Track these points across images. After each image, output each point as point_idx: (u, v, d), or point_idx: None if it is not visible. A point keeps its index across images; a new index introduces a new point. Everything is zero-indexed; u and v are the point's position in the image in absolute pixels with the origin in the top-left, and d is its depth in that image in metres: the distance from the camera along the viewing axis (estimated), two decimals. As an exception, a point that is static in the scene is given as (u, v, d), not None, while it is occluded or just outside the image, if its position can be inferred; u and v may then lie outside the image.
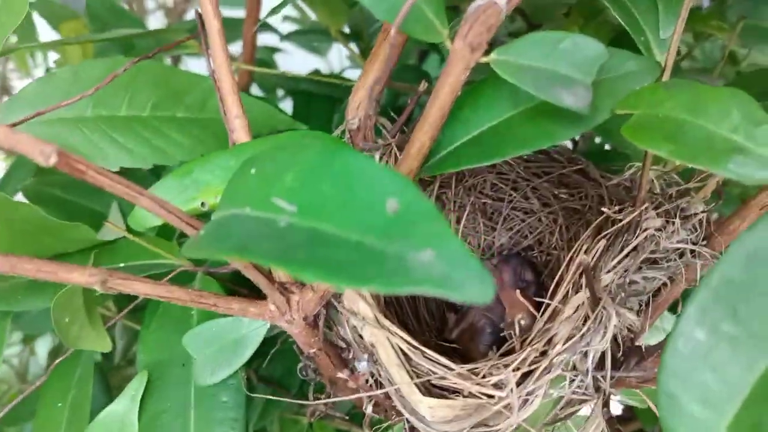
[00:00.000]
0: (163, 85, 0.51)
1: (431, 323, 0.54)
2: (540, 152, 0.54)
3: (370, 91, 0.45)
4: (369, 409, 0.44)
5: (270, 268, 0.44)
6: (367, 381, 0.41)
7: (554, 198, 0.53)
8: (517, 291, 0.46)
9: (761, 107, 0.32)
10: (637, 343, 0.45)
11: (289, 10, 0.95)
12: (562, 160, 0.52)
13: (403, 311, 0.51)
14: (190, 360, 0.46)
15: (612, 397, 0.44)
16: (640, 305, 0.41)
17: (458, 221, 0.56)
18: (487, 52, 0.34)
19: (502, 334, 0.48)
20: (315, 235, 0.25)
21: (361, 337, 0.42)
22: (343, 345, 0.45)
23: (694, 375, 0.27)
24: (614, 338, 0.39)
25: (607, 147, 0.78)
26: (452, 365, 0.37)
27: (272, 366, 0.67)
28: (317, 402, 0.50)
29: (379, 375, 0.40)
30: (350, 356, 0.44)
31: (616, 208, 0.43)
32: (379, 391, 0.39)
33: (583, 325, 0.37)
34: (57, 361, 0.51)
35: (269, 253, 0.25)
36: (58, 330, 0.43)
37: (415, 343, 0.38)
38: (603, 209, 0.43)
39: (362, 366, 0.45)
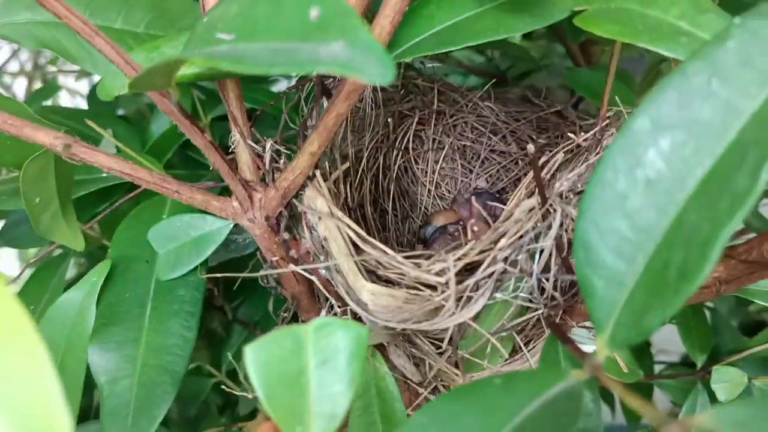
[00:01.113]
0: (159, 5, 0.53)
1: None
2: (522, 99, 0.55)
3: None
4: (323, 314, 0.45)
5: (237, 164, 0.45)
6: (310, 254, 0.42)
7: (532, 141, 0.53)
8: (473, 198, 0.46)
9: (710, -2, 0.33)
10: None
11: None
12: (542, 105, 0.52)
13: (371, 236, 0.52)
14: (154, 257, 0.46)
15: (567, 319, 0.44)
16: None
17: (436, 161, 0.56)
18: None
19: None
20: (246, 49, 0.26)
21: (319, 238, 0.42)
22: (303, 252, 0.45)
23: (610, 223, 0.27)
24: (563, 244, 0.39)
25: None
26: (393, 252, 0.37)
27: (252, 309, 0.68)
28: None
29: (330, 269, 0.41)
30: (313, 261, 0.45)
31: (583, 134, 0.43)
32: (319, 264, 0.40)
33: (534, 226, 0.38)
34: (31, 260, 0.52)
35: (193, 54, 0.26)
36: (29, 212, 0.44)
37: (364, 234, 0.39)
38: (569, 134, 0.43)
39: (324, 271, 0.45)
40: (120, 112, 0.89)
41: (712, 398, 0.62)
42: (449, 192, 0.58)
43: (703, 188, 0.25)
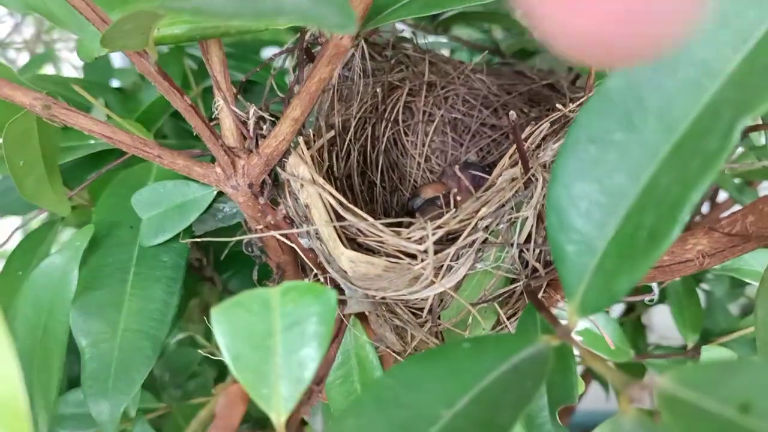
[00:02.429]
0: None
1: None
2: (515, 71, 0.54)
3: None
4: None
5: (221, 130, 0.44)
6: (289, 220, 0.41)
7: (524, 114, 0.53)
8: (456, 167, 0.45)
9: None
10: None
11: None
12: (535, 78, 0.52)
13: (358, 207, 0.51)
14: (138, 223, 0.46)
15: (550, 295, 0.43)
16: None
17: (426, 134, 0.56)
18: None
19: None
20: (213, 2, 0.26)
21: (302, 206, 0.42)
22: (288, 219, 0.45)
23: (582, 187, 0.26)
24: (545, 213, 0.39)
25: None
26: (373, 219, 0.37)
27: (243, 281, 0.68)
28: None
29: (311, 236, 0.40)
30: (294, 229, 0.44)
31: (571, 105, 0.42)
32: (298, 230, 0.39)
33: (515, 195, 0.37)
34: (18, 227, 0.52)
35: (162, 7, 0.25)
36: (13, 175, 0.44)
37: (345, 201, 0.38)
38: (558, 105, 0.42)
39: (304, 242, 0.45)
40: (117, 85, 0.89)
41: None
42: (439, 165, 0.57)
43: (676, 151, 0.24)
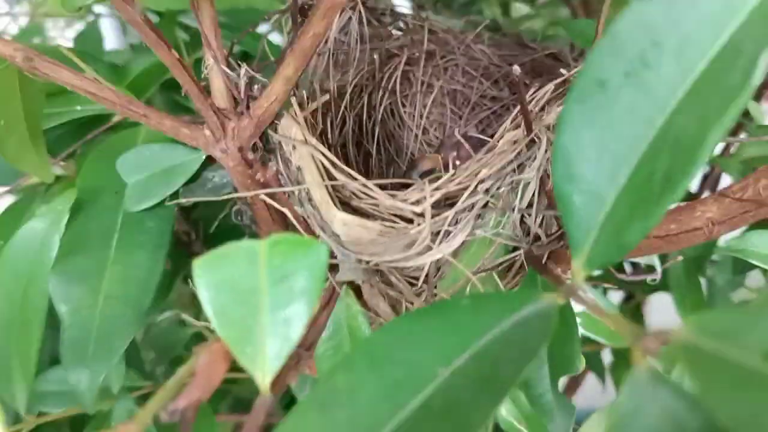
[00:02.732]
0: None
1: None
2: (517, 42, 0.52)
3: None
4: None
5: (212, 92, 0.43)
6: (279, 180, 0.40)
7: (525, 86, 0.51)
8: (459, 138, 0.43)
9: None
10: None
11: None
12: (536, 48, 0.50)
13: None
14: (123, 189, 0.44)
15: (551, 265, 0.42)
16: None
17: (425, 106, 0.54)
18: None
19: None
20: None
21: (295, 169, 0.40)
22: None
23: (592, 133, 0.25)
24: (547, 177, 0.37)
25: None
26: (367, 181, 0.35)
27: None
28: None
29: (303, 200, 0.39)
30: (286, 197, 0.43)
31: (575, 69, 0.41)
32: (288, 188, 0.38)
33: (517, 156, 0.35)
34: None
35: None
36: (-8, 134, 0.42)
37: (339, 162, 0.37)
38: (561, 70, 0.41)
39: (298, 208, 0.43)
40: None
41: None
42: (437, 138, 0.55)
43: (694, 92, 0.23)
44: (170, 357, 0.63)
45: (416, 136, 0.54)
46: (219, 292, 0.27)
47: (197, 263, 0.26)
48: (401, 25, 0.52)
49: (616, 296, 0.89)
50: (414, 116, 0.54)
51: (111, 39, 1.00)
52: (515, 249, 0.39)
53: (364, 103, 0.50)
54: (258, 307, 0.27)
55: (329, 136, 0.45)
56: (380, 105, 0.52)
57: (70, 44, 0.92)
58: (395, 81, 0.52)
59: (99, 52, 0.82)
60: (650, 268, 0.56)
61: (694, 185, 0.89)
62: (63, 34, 1.28)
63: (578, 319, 0.59)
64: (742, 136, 0.81)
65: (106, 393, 0.56)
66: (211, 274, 0.27)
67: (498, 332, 0.24)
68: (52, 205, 0.43)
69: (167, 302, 0.63)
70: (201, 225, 0.61)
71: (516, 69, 0.32)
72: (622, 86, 0.24)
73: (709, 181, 0.87)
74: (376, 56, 0.49)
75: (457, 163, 0.39)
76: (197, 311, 0.69)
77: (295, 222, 0.42)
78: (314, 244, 0.26)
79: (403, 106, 0.54)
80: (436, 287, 0.39)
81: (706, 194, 0.88)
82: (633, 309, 0.82)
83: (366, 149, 0.51)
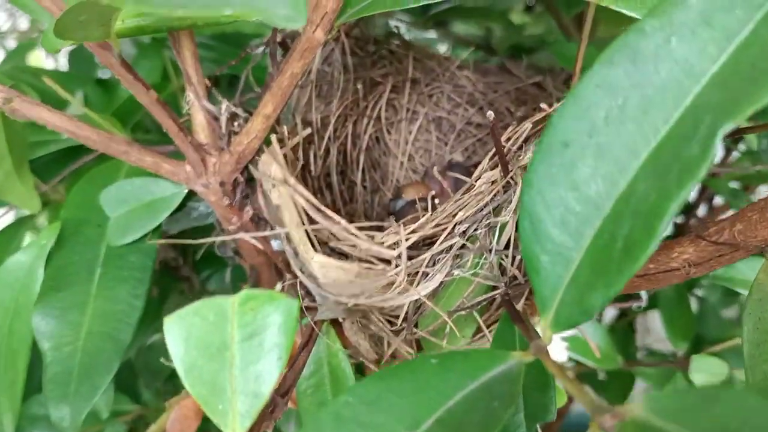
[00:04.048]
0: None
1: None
2: (501, 69, 0.52)
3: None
4: (278, 287, 0.43)
5: (193, 127, 0.43)
6: (256, 221, 0.40)
7: (509, 114, 0.51)
8: (435, 168, 0.43)
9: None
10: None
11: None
12: (521, 77, 0.50)
13: (336, 209, 0.49)
14: (106, 222, 0.45)
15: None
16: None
17: (410, 132, 0.54)
18: None
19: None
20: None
21: (274, 207, 0.40)
22: (261, 221, 0.43)
23: (557, 194, 0.25)
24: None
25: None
26: (345, 222, 0.35)
27: (223, 281, 0.66)
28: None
29: (282, 239, 0.39)
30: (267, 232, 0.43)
31: (555, 105, 0.41)
32: (267, 232, 0.38)
33: (493, 198, 0.35)
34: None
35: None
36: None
37: (317, 203, 0.37)
38: (542, 105, 0.41)
39: (276, 245, 0.43)
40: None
41: (691, 387, 0.60)
42: (423, 165, 0.55)
43: (655, 156, 0.23)
44: (160, 380, 0.64)
45: (402, 163, 0.54)
46: (189, 348, 0.27)
47: (167, 320, 0.26)
48: (385, 53, 0.52)
49: (610, 312, 0.89)
50: (399, 143, 0.54)
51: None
52: (495, 287, 0.39)
53: (348, 132, 0.50)
54: (228, 363, 0.27)
55: (312, 168, 0.45)
56: (365, 133, 0.52)
57: (65, 58, 0.92)
58: (380, 109, 0.52)
59: (91, 68, 0.82)
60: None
61: (692, 196, 0.89)
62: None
63: (565, 344, 0.60)
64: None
65: (95, 418, 0.57)
66: (181, 331, 0.27)
67: (464, 395, 0.24)
68: (37, 239, 0.44)
69: (156, 326, 0.63)
70: (189, 250, 0.61)
71: (490, 114, 0.32)
72: (586, 147, 0.24)
73: (707, 192, 0.87)
74: (360, 86, 0.49)
75: (437, 202, 0.39)
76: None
77: (272, 257, 0.42)
78: (285, 299, 0.26)
79: (389, 133, 0.54)
80: (416, 325, 0.39)
81: (702, 207, 0.88)
82: (625, 326, 0.82)
83: (351, 178, 0.51)
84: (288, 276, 0.40)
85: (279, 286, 0.43)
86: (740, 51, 0.22)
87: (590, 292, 0.23)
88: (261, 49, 0.47)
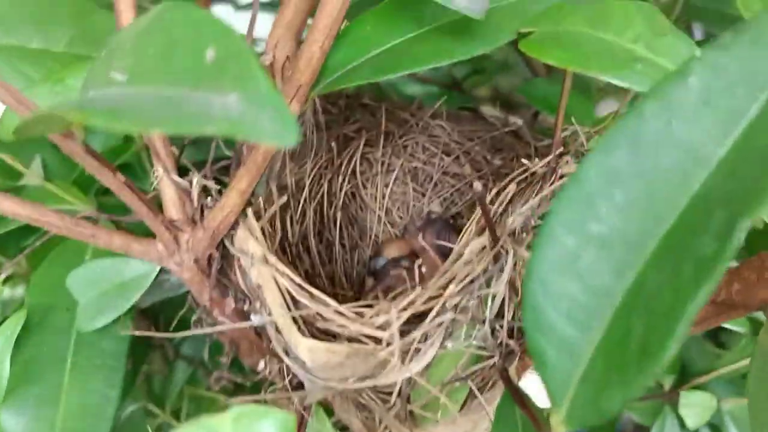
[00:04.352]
0: (81, 22, 0.49)
1: (347, 287, 0.50)
2: (475, 117, 0.51)
3: (289, 25, 0.42)
4: (261, 365, 0.41)
5: (161, 203, 0.41)
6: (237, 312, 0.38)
7: (486, 162, 0.50)
8: (420, 236, 0.42)
9: (667, 20, 0.30)
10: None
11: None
12: (497, 124, 0.49)
13: (315, 273, 0.48)
14: (75, 305, 0.42)
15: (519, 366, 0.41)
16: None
17: (386, 185, 0.53)
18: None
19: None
20: (135, 95, 0.23)
21: (253, 284, 0.38)
22: (240, 297, 0.41)
23: (561, 284, 0.24)
24: (517, 288, 0.36)
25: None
26: (334, 303, 0.34)
27: (196, 344, 0.64)
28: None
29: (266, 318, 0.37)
30: (246, 308, 0.41)
31: (537, 161, 0.40)
32: (248, 324, 0.36)
33: (485, 270, 0.34)
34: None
35: (69, 107, 0.22)
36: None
37: (301, 282, 0.35)
38: (523, 161, 0.40)
39: (256, 319, 0.42)
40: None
41: (681, 421, 0.60)
42: (401, 218, 0.54)
43: (663, 249, 0.22)
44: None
45: (379, 217, 0.53)
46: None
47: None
48: (357, 106, 0.51)
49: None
50: (376, 197, 0.53)
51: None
52: (487, 355, 0.38)
53: (324, 191, 0.48)
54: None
55: (289, 234, 0.43)
56: (341, 190, 0.50)
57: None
58: (355, 164, 0.50)
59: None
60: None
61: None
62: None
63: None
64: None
65: None
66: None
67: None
68: (0, 330, 0.41)
69: (132, 396, 0.61)
70: (161, 317, 0.58)
71: (477, 186, 0.31)
72: (589, 236, 0.23)
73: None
74: (333, 143, 0.47)
75: (423, 270, 0.38)
76: (156, 397, 0.66)
77: (252, 340, 0.40)
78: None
79: (364, 187, 0.53)
80: (408, 400, 0.38)
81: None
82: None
83: (328, 237, 0.50)
84: (269, 353, 0.38)
85: (261, 364, 0.41)
86: (748, 133, 0.21)
87: (606, 391, 0.22)
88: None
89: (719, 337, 0.87)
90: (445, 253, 0.48)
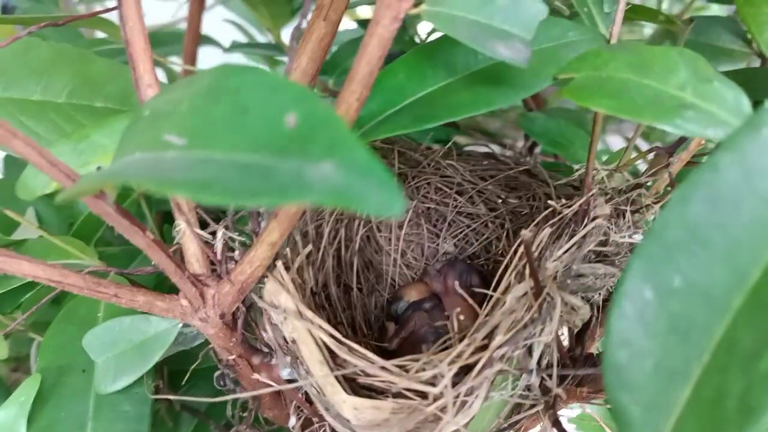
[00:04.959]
0: (82, 71, 0.48)
1: (369, 333, 0.49)
2: (487, 156, 0.51)
3: (304, 73, 0.42)
4: (293, 421, 0.39)
5: (182, 257, 0.39)
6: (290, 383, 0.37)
7: (501, 201, 0.50)
8: (456, 283, 0.42)
9: (710, 65, 0.30)
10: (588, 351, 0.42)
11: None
12: (509, 163, 0.49)
13: (338, 320, 0.47)
14: (92, 366, 0.40)
15: (561, 405, 0.40)
16: (590, 301, 0.38)
17: (400, 227, 0.52)
18: (418, 3, 0.31)
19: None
20: (203, 162, 0.22)
21: (283, 338, 0.37)
22: (266, 350, 0.40)
23: (645, 340, 0.23)
24: (563, 336, 0.36)
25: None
26: (379, 359, 0.33)
27: (200, 394, 0.61)
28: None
29: (301, 376, 0.36)
30: (273, 362, 0.40)
31: (563, 201, 0.40)
32: (294, 385, 0.35)
33: (527, 315, 0.34)
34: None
35: (143, 175, 0.21)
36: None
37: (340, 337, 0.34)
38: (549, 202, 0.40)
39: (286, 373, 0.40)
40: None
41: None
42: (416, 259, 0.54)
43: (754, 302, 0.22)
44: None
45: (395, 260, 0.52)
46: None
47: None
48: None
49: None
50: (390, 240, 0.52)
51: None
52: (527, 403, 0.37)
53: (341, 236, 0.47)
54: None
55: (312, 284, 0.42)
56: (356, 234, 0.49)
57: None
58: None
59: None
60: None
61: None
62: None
63: (572, 426, 0.58)
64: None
65: None
66: None
67: None
68: (13, 397, 0.39)
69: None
70: (165, 370, 0.56)
71: (525, 234, 0.31)
72: (671, 292, 0.23)
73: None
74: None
75: (461, 318, 0.37)
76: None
77: (292, 400, 0.39)
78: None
79: (379, 231, 0.52)
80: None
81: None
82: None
83: (346, 282, 0.49)
84: (314, 418, 0.37)
85: (293, 420, 0.40)
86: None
87: (701, 453, 0.22)
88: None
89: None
90: (470, 288, 0.48)
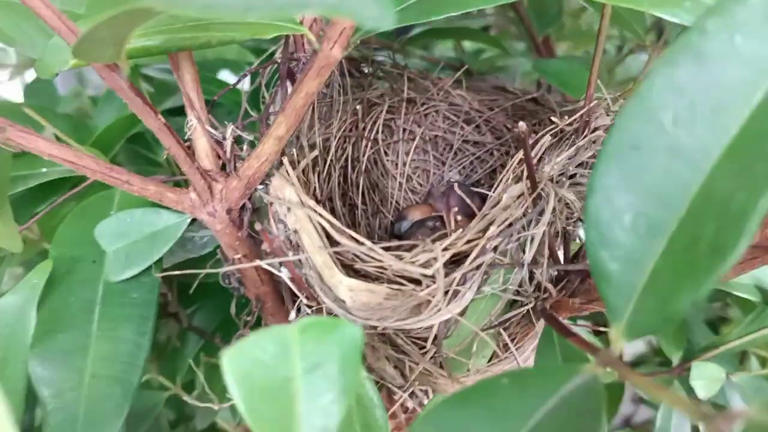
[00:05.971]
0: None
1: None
2: (496, 86, 0.52)
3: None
4: (292, 316, 0.41)
5: (193, 151, 0.41)
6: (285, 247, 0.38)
7: (507, 130, 0.51)
8: (456, 185, 0.43)
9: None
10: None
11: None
12: (518, 93, 0.50)
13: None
14: (102, 257, 0.42)
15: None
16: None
17: (407, 153, 0.53)
18: None
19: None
20: None
21: (286, 228, 0.39)
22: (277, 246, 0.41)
23: (626, 198, 0.24)
24: (555, 235, 0.37)
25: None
26: (370, 243, 0.34)
27: (209, 315, 0.63)
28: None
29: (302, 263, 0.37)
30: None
31: (566, 118, 0.40)
32: (290, 257, 0.36)
33: (525, 212, 0.35)
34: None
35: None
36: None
37: (338, 224, 0.35)
38: (552, 118, 0.40)
39: (284, 273, 0.42)
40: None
41: (689, 395, 0.60)
42: (421, 185, 0.55)
43: (732, 154, 0.22)
44: (148, 422, 0.60)
45: (400, 184, 0.53)
46: (250, 383, 0.24)
47: (226, 355, 0.24)
48: (381, 73, 0.51)
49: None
50: (397, 164, 0.53)
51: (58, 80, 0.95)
52: (518, 302, 0.38)
53: (348, 154, 0.49)
54: (293, 398, 0.25)
55: (317, 191, 0.43)
56: (363, 155, 0.51)
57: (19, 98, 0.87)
58: (377, 130, 0.51)
59: (53, 98, 0.78)
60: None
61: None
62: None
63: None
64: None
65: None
66: (241, 365, 0.24)
67: (546, 412, 0.23)
68: (26, 279, 0.40)
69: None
70: (175, 284, 0.58)
71: (522, 126, 0.32)
72: (656, 150, 0.24)
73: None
74: (358, 106, 0.48)
75: (459, 218, 0.38)
76: (166, 368, 0.66)
77: (290, 283, 0.40)
78: (346, 326, 0.25)
79: (386, 154, 0.53)
80: (442, 346, 0.38)
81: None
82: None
83: (351, 201, 0.50)
84: (306, 303, 0.38)
85: (293, 314, 0.41)
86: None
87: (673, 296, 0.23)
88: (247, 77, 0.46)
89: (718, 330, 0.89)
90: (471, 217, 0.49)
